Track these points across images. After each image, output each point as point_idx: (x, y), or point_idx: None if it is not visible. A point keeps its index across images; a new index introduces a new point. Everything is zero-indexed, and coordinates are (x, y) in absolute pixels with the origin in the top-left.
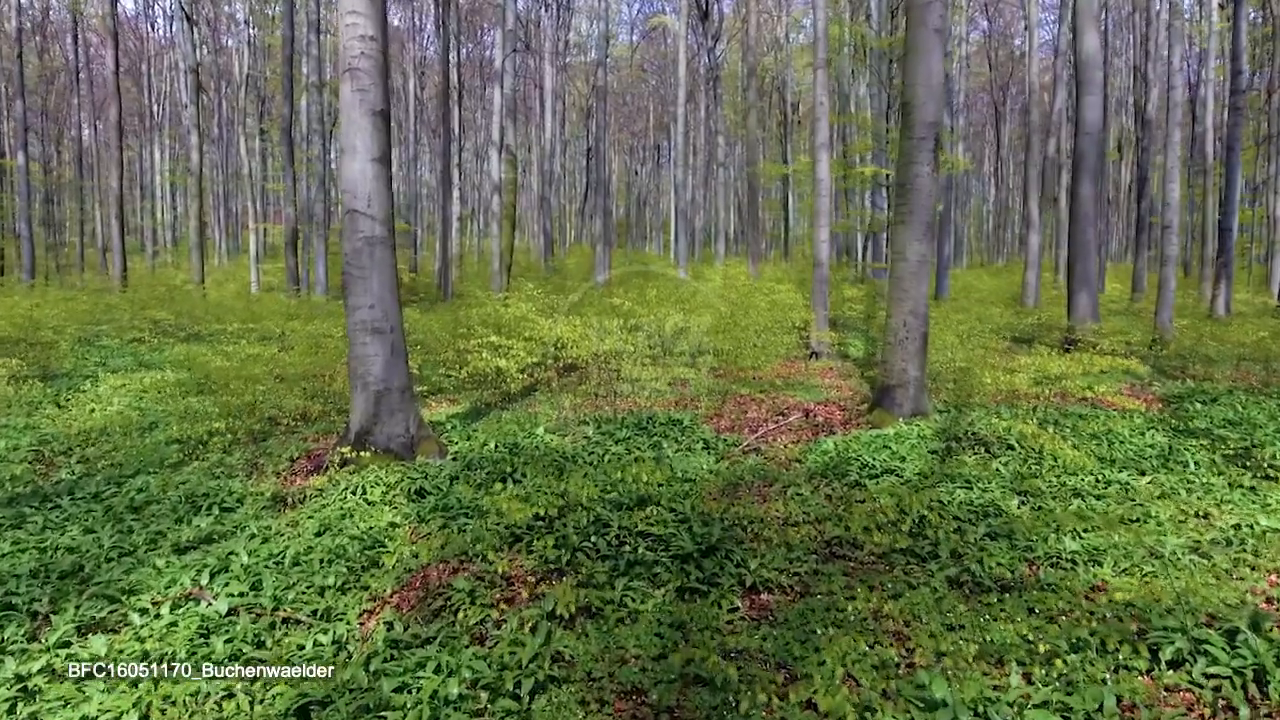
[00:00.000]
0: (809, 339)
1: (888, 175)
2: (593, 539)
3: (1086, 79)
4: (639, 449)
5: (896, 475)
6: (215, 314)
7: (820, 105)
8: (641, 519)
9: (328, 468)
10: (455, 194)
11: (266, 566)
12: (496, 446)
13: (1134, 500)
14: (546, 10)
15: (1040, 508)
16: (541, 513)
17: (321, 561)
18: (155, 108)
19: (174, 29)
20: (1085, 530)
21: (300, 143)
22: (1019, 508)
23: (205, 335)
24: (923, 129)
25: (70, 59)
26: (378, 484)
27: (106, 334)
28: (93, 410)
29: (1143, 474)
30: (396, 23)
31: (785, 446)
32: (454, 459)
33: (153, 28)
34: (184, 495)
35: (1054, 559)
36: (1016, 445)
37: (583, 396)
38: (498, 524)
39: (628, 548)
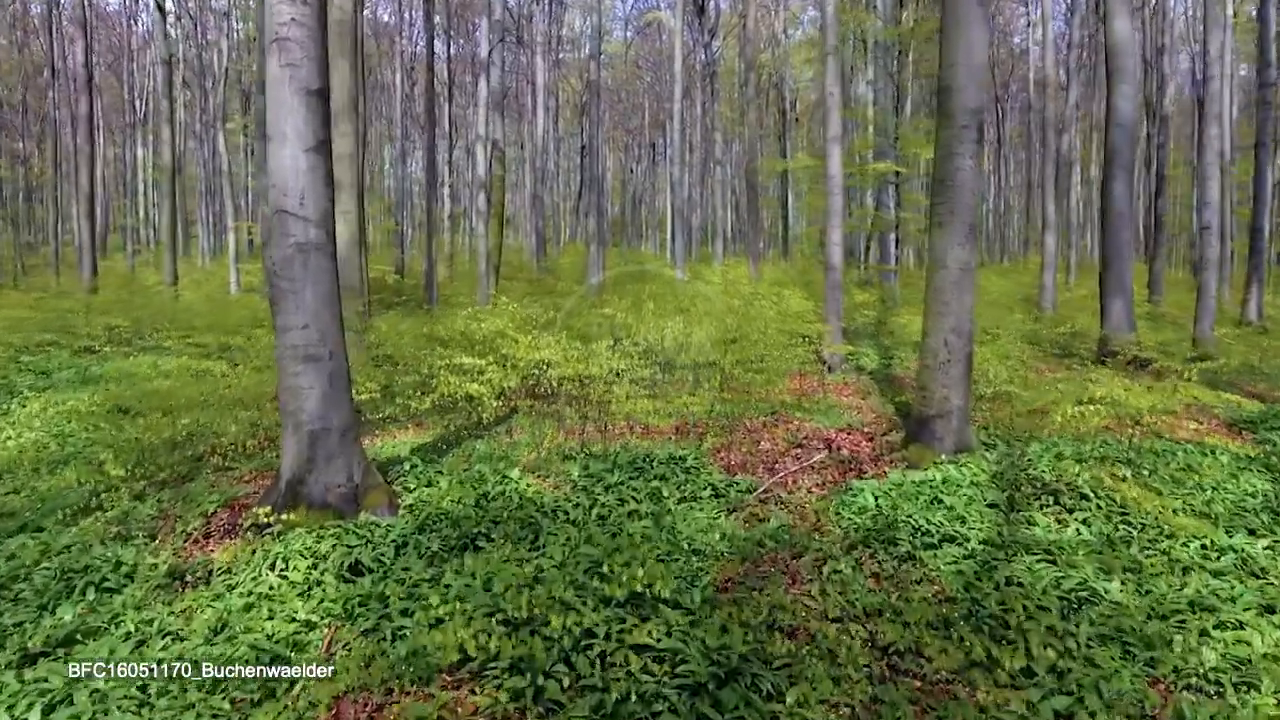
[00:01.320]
0: (821, 350)
1: (898, 173)
2: (571, 657)
3: (1119, 67)
4: (634, 497)
5: (958, 544)
6: (183, 319)
7: (830, 96)
8: (635, 622)
9: (250, 528)
10: (446, 191)
11: (126, 698)
12: (461, 497)
13: (1259, 576)
14: (538, 3)
15: (1148, 591)
16: (491, 647)
17: (200, 689)
18: (138, 104)
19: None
20: (1215, 627)
21: None
22: (1120, 590)
23: (162, 345)
24: (964, 116)
25: (47, 52)
26: (304, 555)
27: (58, 343)
28: (8, 439)
29: (1253, 533)
30: (386, 18)
31: (809, 492)
32: (408, 513)
33: (135, 22)
34: (60, 569)
35: (1189, 676)
36: (1092, 495)
37: (569, 425)
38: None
39: (619, 676)
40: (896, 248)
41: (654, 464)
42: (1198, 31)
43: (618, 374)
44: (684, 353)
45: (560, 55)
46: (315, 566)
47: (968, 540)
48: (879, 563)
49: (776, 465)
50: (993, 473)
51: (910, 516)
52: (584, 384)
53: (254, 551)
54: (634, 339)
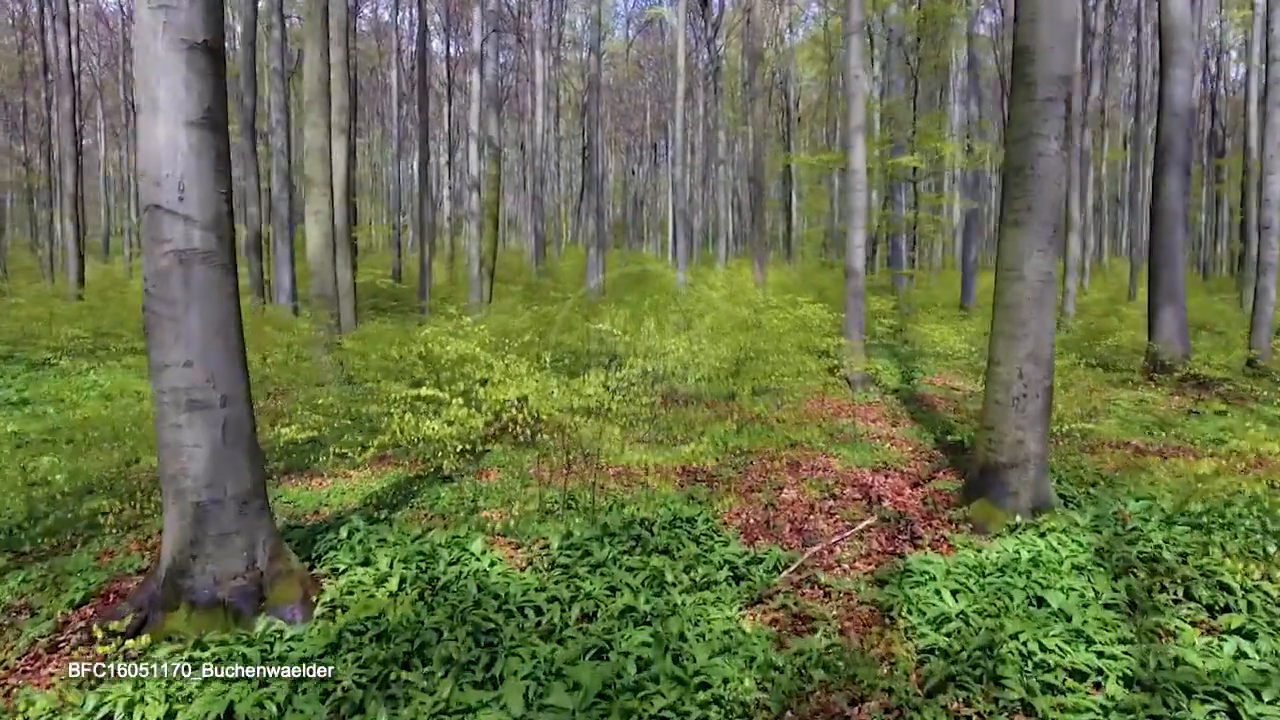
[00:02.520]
0: (841, 367)
1: (915, 169)
2: None
3: (1174, 49)
4: (628, 584)
5: (1091, 679)
6: None
7: (855, 79)
8: None
9: (103, 641)
10: (446, 193)
11: None
12: (401, 586)
13: None
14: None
15: None
16: None
17: None
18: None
19: None
20: None
21: (270, 135)
22: None
23: (119, 359)
24: (1048, 85)
25: (40, 51)
26: (159, 697)
27: (12, 355)
28: None
29: None
30: (387, 17)
31: (853, 570)
32: (326, 613)
33: (133, 21)
34: None
35: None
36: (1237, 588)
37: (552, 467)
38: None
39: None
40: (913, 249)
41: (654, 529)
42: (1207, 24)
43: (610, 409)
44: (691, 373)
45: (561, 54)
46: (172, 718)
47: (1103, 676)
48: (982, 718)
49: (806, 525)
50: (1095, 548)
51: (1015, 636)
52: (567, 425)
53: (93, 687)
54: (632, 361)
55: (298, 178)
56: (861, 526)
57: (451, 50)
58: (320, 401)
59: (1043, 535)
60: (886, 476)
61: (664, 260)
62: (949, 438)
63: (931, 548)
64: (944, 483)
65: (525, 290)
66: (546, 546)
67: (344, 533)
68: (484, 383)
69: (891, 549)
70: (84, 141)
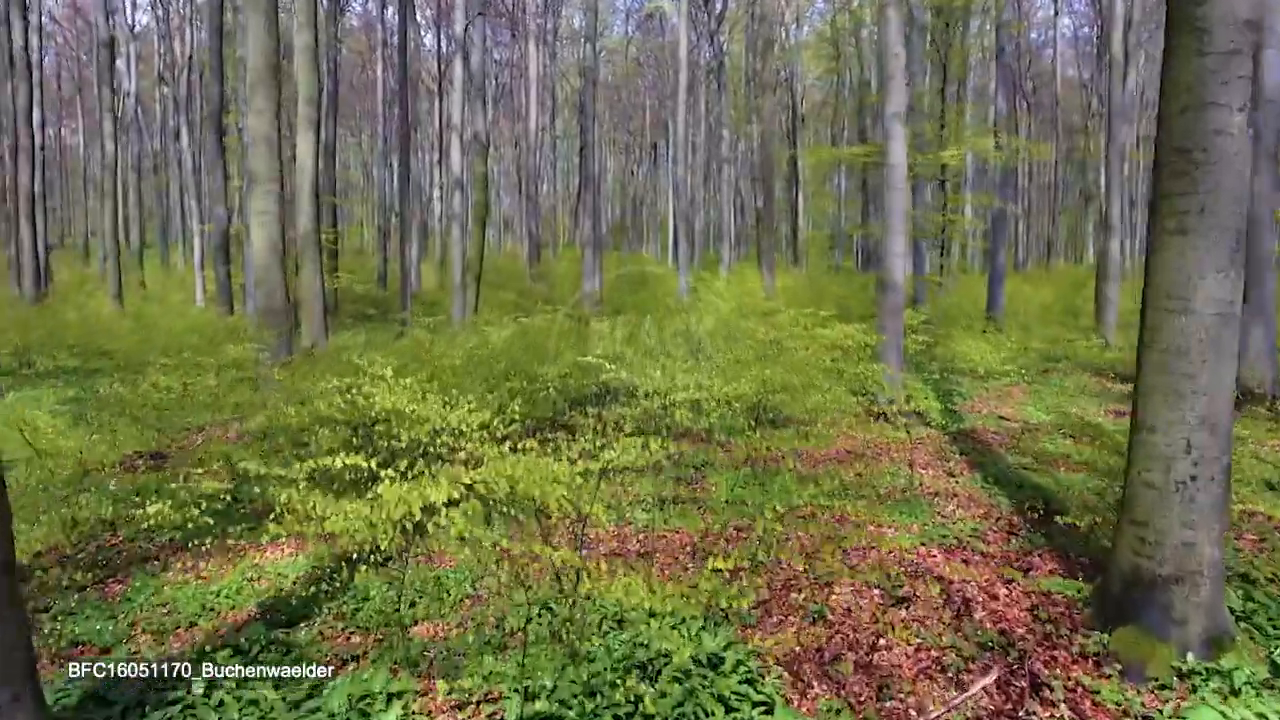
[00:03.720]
0: (879, 395)
1: (944, 167)
2: None
3: (1269, 25)
4: None
5: None
6: (97, 343)
7: (895, 58)
8: None
9: None
10: (437, 193)
11: None
12: None
13: None
14: None
15: None
16: None
17: None
18: (116, 103)
19: (133, 16)
20: None
21: (241, 129)
22: None
23: (37, 382)
24: (1229, 32)
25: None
26: None
27: None
28: None
29: None
30: (375, 11)
31: None
32: None
33: (109, 19)
34: None
35: None
36: None
37: (515, 564)
38: None
39: None
40: (943, 255)
41: (661, 678)
42: None
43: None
44: (705, 415)
45: (557, 49)
46: None
47: None
48: None
49: (875, 659)
50: None
51: None
52: (542, 522)
53: None
54: (627, 444)
55: None
56: (975, 689)
57: (443, 47)
58: (213, 468)
59: (1237, 693)
60: (965, 561)
61: (664, 262)
62: (1000, 476)
63: (1070, 709)
64: (1049, 580)
65: (517, 297)
66: (499, 712)
67: (199, 688)
68: (421, 450)
69: (1008, 704)
70: (64, 141)
